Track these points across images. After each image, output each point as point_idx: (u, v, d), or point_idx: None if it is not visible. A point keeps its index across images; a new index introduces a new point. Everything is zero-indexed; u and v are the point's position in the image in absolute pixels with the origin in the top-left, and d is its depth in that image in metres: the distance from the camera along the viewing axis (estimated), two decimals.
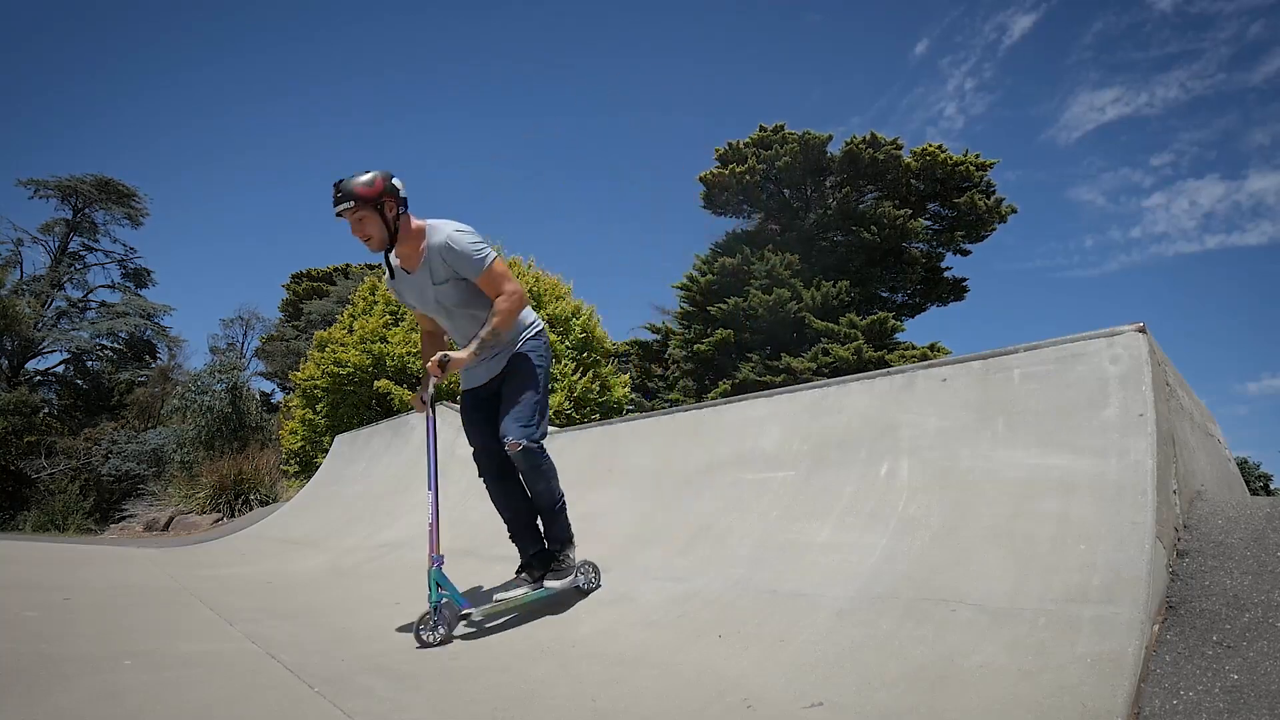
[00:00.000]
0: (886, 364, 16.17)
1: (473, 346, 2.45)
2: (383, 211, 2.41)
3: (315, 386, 10.67)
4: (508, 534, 2.81)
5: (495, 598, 2.48)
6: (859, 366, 16.32)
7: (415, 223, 2.51)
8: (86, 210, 23.72)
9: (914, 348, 17.75)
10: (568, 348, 10.92)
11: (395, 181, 2.44)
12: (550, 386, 2.87)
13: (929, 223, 20.57)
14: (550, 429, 4.99)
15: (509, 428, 2.47)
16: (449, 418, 6.02)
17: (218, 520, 9.67)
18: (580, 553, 2.72)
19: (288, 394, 15.59)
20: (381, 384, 9.77)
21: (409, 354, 9.99)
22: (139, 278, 24.92)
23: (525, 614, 2.57)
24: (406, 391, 9.65)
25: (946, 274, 21.33)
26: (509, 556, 3.42)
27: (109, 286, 24.48)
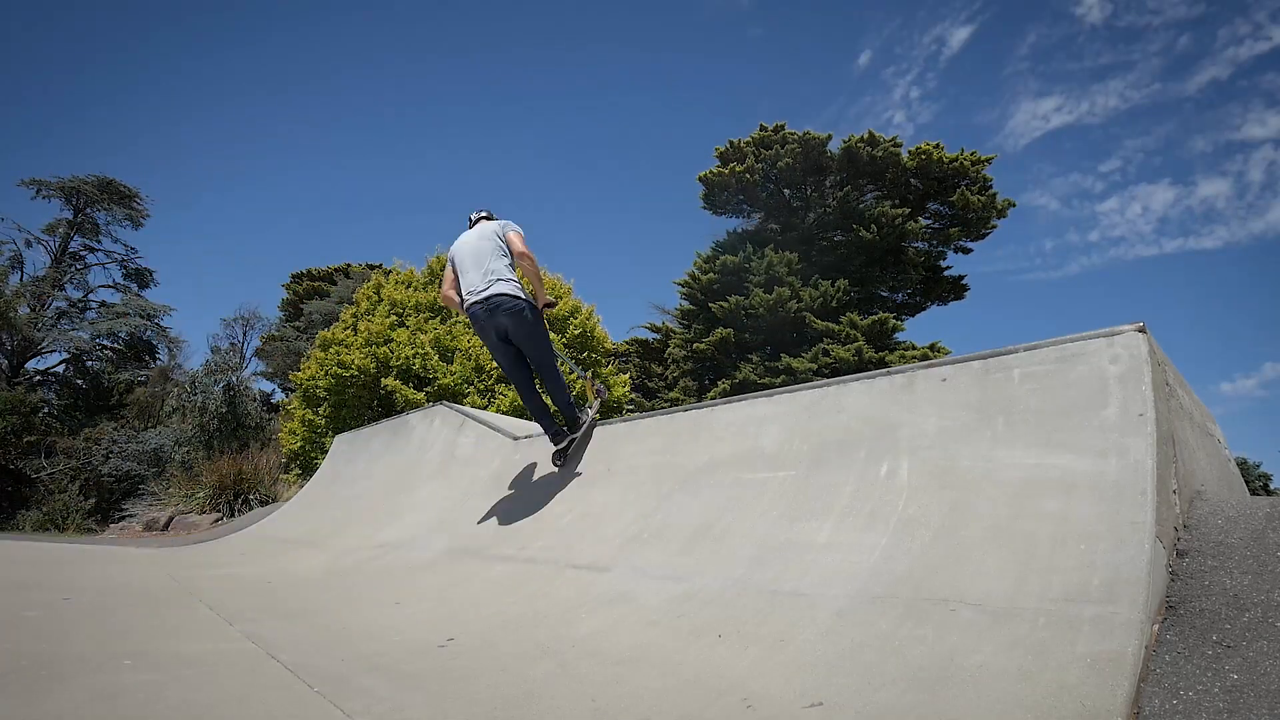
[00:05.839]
0: (886, 364, 16.17)
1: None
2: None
3: (317, 387, 10.66)
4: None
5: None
6: (859, 366, 16.33)
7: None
8: (88, 210, 23.72)
9: (914, 348, 17.75)
10: (565, 346, 10.94)
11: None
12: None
13: (929, 221, 20.56)
14: None
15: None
16: (449, 418, 6.02)
17: (218, 520, 9.67)
18: (579, 552, 2.73)
19: (288, 394, 15.60)
20: (388, 383, 9.76)
21: (413, 355, 9.99)
22: (140, 278, 24.90)
23: (525, 614, 2.57)
24: (411, 390, 9.66)
25: (946, 273, 21.33)
26: (509, 556, 3.42)
27: (110, 286, 24.48)
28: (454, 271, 4.01)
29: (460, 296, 3.95)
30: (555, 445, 4.00)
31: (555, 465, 3.99)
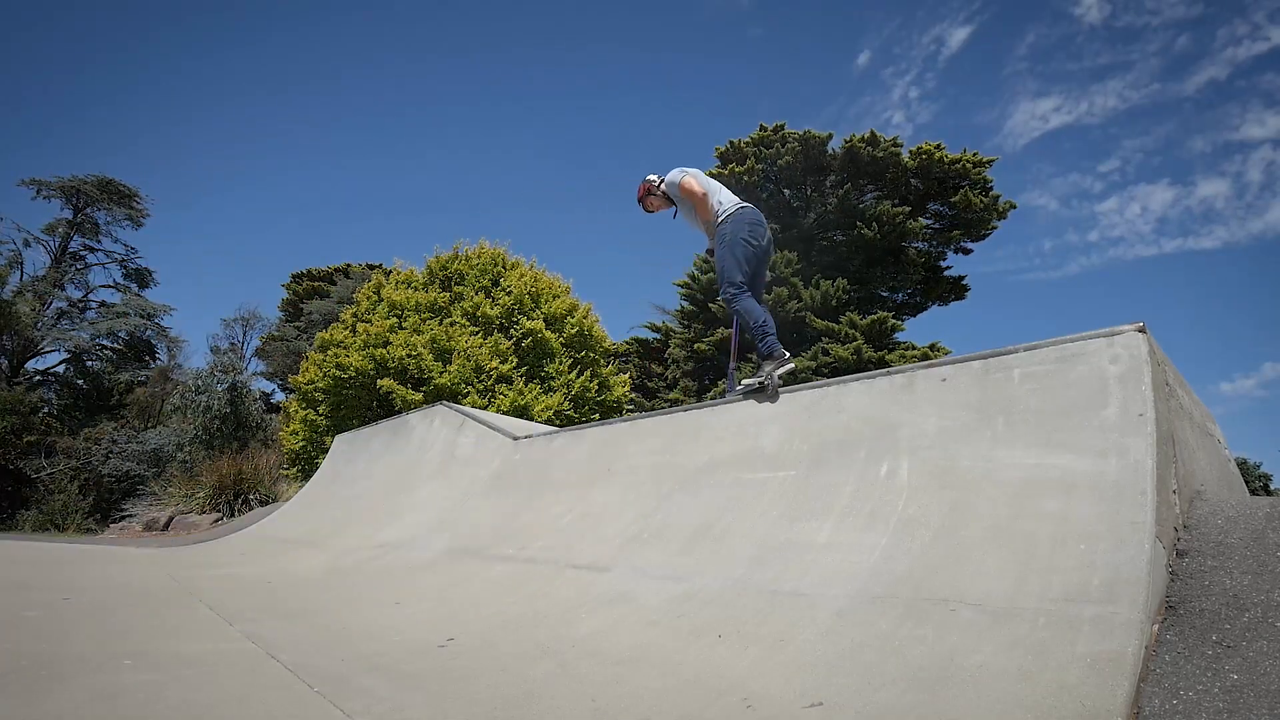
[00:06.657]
0: (886, 364, 16.16)
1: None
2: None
3: (316, 389, 10.66)
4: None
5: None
6: (859, 366, 16.32)
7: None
8: (88, 210, 23.72)
9: (914, 348, 17.73)
10: (563, 345, 10.94)
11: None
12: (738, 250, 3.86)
13: (929, 221, 20.54)
14: (550, 429, 4.99)
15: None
16: (449, 418, 6.02)
17: (218, 520, 9.67)
18: (579, 552, 2.73)
19: (289, 395, 15.62)
20: (384, 383, 9.76)
21: (408, 356, 9.99)
22: (140, 278, 24.91)
23: (525, 614, 2.57)
24: (409, 391, 9.66)
25: (946, 273, 21.32)
26: (509, 556, 3.42)
27: (110, 286, 24.49)
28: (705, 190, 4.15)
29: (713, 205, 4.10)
30: (757, 378, 3.49)
31: (766, 385, 3.46)
